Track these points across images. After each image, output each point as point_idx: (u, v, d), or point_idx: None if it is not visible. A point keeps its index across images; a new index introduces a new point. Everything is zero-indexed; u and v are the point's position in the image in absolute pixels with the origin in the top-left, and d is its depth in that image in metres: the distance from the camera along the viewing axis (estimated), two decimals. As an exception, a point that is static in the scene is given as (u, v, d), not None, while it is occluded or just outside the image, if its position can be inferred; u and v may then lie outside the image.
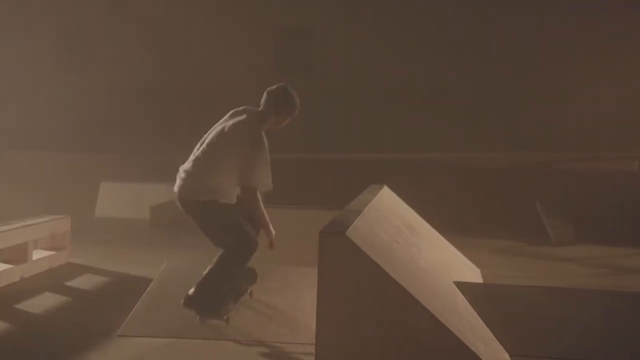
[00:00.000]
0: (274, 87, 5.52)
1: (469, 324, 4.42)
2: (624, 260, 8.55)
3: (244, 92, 13.96)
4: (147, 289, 5.90)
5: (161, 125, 13.67)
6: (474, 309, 4.93)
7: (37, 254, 7.09)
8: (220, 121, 5.43)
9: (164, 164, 12.58)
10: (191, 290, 5.00)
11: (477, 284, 6.22)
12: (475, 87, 13.01)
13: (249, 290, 5.60)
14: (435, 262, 5.82)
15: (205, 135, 5.40)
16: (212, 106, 13.93)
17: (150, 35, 14.06)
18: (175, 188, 5.37)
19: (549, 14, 12.94)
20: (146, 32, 14.07)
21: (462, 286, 5.42)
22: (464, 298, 5.10)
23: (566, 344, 4.62)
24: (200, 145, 5.34)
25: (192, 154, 5.37)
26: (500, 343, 4.48)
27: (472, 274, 6.79)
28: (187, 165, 5.33)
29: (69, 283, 6.70)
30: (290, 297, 5.78)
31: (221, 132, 5.25)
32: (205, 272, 5.07)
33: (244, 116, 5.33)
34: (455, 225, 8.68)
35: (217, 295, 5.08)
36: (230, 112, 5.48)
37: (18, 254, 6.68)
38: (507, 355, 4.34)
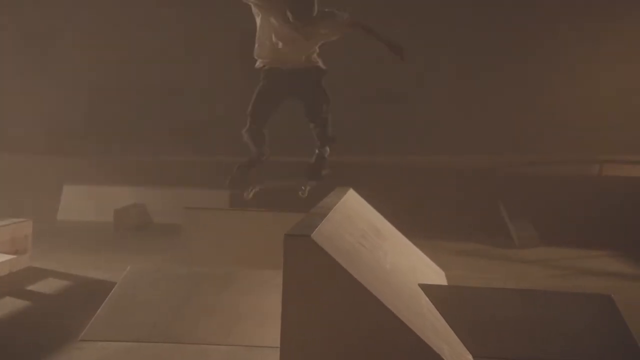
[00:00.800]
0: None
1: (432, 326, 4.45)
2: (585, 262, 8.69)
3: (211, 93, 14.03)
4: (111, 293, 5.83)
5: (126, 127, 13.54)
6: (438, 310, 4.97)
7: (-2, 258, 6.99)
8: None
9: (128, 166, 12.57)
10: None
11: (441, 286, 6.26)
12: (439, 90, 13.11)
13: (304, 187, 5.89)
14: (400, 265, 5.84)
15: None
16: (178, 107, 14.01)
17: (115, 35, 13.92)
18: None
19: (514, 17, 13.09)
20: (110, 32, 13.93)
21: (427, 288, 5.45)
22: (428, 300, 5.13)
23: (529, 345, 4.68)
24: None
25: None
26: (464, 345, 4.51)
27: (437, 276, 6.84)
28: None
29: (30, 287, 6.60)
30: (255, 300, 5.75)
31: None
32: None
33: None
34: (420, 228, 8.73)
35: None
36: None
37: (-23, 258, 6.58)
38: (470, 357, 4.38)
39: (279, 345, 4.03)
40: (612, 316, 5.03)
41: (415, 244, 7.23)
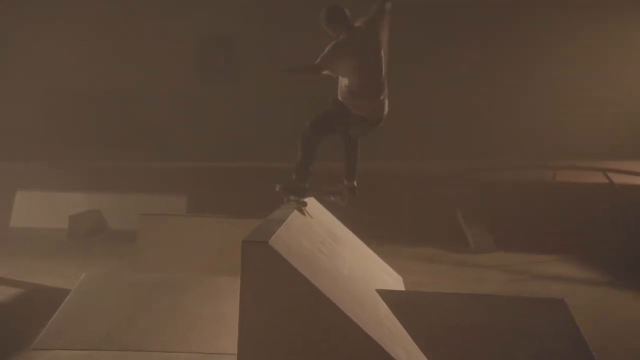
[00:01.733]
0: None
1: (389, 331, 4.47)
2: (539, 267, 8.80)
3: (165, 98, 13.95)
4: (65, 301, 5.73)
5: (81, 132, 13.37)
6: (395, 316, 4.99)
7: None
8: None
9: (84, 172, 12.39)
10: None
11: (398, 292, 6.29)
12: (398, 96, 13.18)
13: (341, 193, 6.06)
14: (359, 271, 5.85)
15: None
16: (135, 113, 13.88)
17: (70, 40, 13.74)
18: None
19: (472, 25, 13.26)
20: (65, 37, 13.75)
21: (384, 294, 5.47)
22: (385, 305, 5.15)
23: (485, 350, 4.72)
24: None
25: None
26: (420, 349, 4.54)
27: (394, 282, 6.87)
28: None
29: (-19, 295, 6.47)
30: (212, 307, 5.71)
31: None
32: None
33: None
34: (378, 234, 8.77)
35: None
36: None
37: None
38: (427, 362, 4.41)
39: (236, 352, 4.00)
40: (565, 320, 5.10)
41: (373, 250, 7.25)
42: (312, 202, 6.74)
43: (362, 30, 5.72)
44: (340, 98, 5.79)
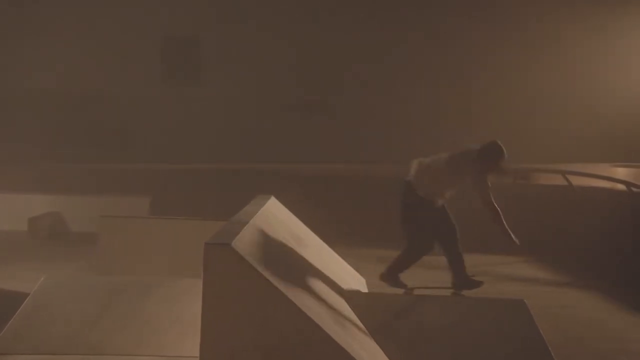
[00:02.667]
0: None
1: (352, 333, 4.49)
2: (502, 268, 8.91)
3: (127, 99, 13.82)
4: (23, 304, 5.64)
5: (40, 133, 13.18)
6: (358, 317, 5.01)
7: None
8: None
9: (44, 173, 12.21)
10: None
11: (361, 293, 6.31)
12: (359, 100, 13.27)
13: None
14: (322, 273, 5.86)
15: None
16: (97, 114, 13.74)
17: (27, 41, 13.54)
18: None
19: (431, 28, 13.39)
20: (23, 38, 13.55)
21: (347, 295, 5.49)
22: (348, 307, 5.17)
23: (448, 351, 4.77)
24: None
25: None
26: (383, 351, 4.56)
27: (357, 284, 6.89)
28: None
29: (-63, 299, 6.34)
30: (175, 309, 5.67)
31: None
32: None
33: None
34: (341, 236, 8.79)
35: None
36: None
37: None
38: (389, 363, 4.43)
39: (198, 355, 3.98)
40: (524, 320, 5.18)
41: (336, 251, 7.27)
42: (275, 204, 6.74)
43: None
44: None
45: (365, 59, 13.42)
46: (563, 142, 12.87)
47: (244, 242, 4.25)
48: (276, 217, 6.32)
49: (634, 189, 9.46)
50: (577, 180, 10.17)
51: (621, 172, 12.15)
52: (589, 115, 13.08)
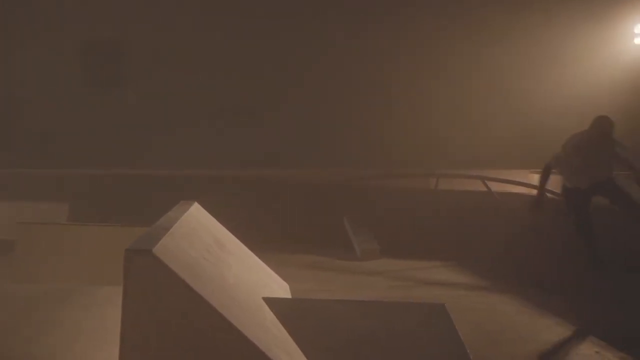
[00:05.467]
0: None
1: (275, 339, 4.49)
2: (423, 273, 9.06)
3: (46, 103, 13.46)
4: None
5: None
6: (281, 323, 5.01)
7: None
8: None
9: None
10: None
11: (285, 299, 6.32)
12: (287, 105, 13.29)
13: None
14: (245, 279, 5.85)
15: None
16: (15, 117, 13.31)
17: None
18: None
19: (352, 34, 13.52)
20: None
21: (270, 302, 5.49)
22: (271, 313, 5.17)
23: (370, 355, 4.82)
24: None
25: None
26: (306, 356, 4.58)
27: (281, 290, 6.90)
28: None
29: None
30: (95, 317, 5.57)
31: None
32: None
33: None
34: (265, 242, 8.77)
35: None
36: None
37: None
38: (312, 369, 4.45)
39: (118, 364, 3.92)
40: (444, 324, 5.29)
41: (260, 257, 7.25)
42: (198, 210, 6.69)
43: None
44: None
45: (296, 65, 13.45)
46: (483, 148, 13.15)
47: (165, 248, 4.20)
48: (199, 223, 6.27)
49: (550, 195, 9.78)
50: (496, 186, 10.43)
51: (538, 179, 12.54)
52: (509, 122, 13.38)
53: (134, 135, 13.05)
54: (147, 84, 13.47)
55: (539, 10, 13.00)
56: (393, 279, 8.70)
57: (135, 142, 12.97)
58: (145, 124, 13.22)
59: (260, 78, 13.24)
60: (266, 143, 13.03)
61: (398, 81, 13.38)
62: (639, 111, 12.02)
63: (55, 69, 13.34)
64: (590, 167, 8.06)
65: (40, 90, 13.18)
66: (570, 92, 13.10)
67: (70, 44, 13.53)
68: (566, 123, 12.70)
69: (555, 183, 9.66)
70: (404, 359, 4.85)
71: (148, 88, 13.44)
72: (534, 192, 9.70)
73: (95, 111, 13.39)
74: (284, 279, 7.32)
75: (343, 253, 10.17)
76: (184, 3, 13.56)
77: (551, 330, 6.30)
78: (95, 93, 13.54)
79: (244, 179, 11.88)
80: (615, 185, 8.11)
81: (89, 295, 6.10)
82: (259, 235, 8.63)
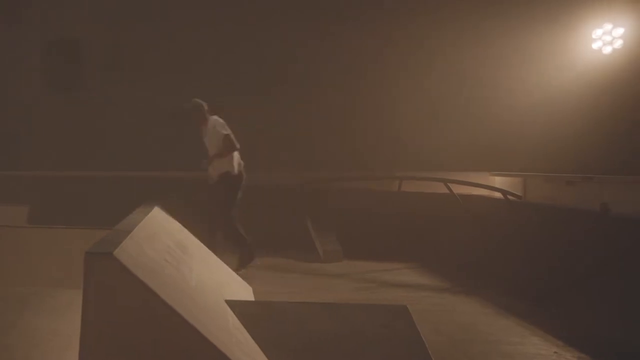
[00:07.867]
0: None
1: (238, 342, 4.48)
2: (385, 275, 9.12)
3: (15, 109, 13.25)
4: None
5: None
6: (244, 326, 5.00)
7: None
8: None
9: None
10: None
11: (248, 302, 6.30)
12: (249, 109, 13.26)
13: None
14: (207, 281, 5.82)
15: None
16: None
17: None
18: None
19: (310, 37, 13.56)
20: None
21: (233, 304, 5.47)
22: (234, 316, 5.15)
23: (335, 358, 4.83)
24: None
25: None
26: (269, 359, 4.58)
27: (244, 292, 6.88)
28: None
29: None
30: (55, 321, 5.49)
31: None
32: None
33: None
34: (228, 244, 8.77)
35: None
36: None
37: None
38: (275, 371, 4.45)
39: (78, 369, 3.88)
40: (406, 325, 5.32)
41: (223, 260, 7.24)
42: (160, 213, 6.65)
43: None
44: None
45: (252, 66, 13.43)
46: (445, 151, 13.26)
47: (126, 251, 4.16)
48: (161, 226, 6.23)
49: (510, 197, 9.92)
50: (458, 189, 10.53)
51: (498, 181, 12.72)
52: (471, 126, 13.50)
53: (95, 138, 12.91)
54: (107, 87, 13.34)
55: (499, 18, 13.13)
56: (356, 281, 8.75)
57: (96, 145, 12.83)
58: (106, 126, 13.08)
59: (219, 85, 13.18)
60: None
61: (362, 84, 13.44)
62: (594, 115, 12.20)
63: (15, 69, 13.15)
64: None
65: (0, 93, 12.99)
66: (530, 97, 13.26)
67: (30, 45, 13.35)
68: (526, 127, 12.95)
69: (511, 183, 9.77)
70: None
71: (107, 91, 13.31)
72: (495, 194, 9.84)
73: (55, 113, 13.22)
74: (247, 282, 7.31)
75: (306, 255, 10.20)
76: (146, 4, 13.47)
77: (511, 330, 6.39)
78: (55, 94, 13.37)
79: (203, 180, 11.82)
80: None
81: (49, 298, 6.01)
82: (222, 237, 8.64)
